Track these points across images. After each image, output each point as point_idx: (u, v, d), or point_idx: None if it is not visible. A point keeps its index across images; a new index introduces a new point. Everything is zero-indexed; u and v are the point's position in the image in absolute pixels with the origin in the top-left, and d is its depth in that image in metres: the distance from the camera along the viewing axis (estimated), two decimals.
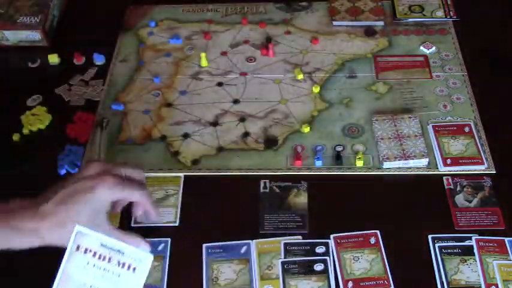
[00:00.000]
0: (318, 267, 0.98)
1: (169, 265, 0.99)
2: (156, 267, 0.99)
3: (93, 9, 1.47)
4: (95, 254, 0.80)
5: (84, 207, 0.86)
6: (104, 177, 0.88)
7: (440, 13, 1.41)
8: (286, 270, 0.97)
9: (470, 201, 1.05)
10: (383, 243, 1.00)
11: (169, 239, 1.02)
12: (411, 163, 1.10)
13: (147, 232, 1.04)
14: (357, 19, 1.39)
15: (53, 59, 1.34)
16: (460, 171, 1.09)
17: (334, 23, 1.39)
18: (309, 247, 1.00)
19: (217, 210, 1.07)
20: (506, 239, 0.99)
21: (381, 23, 1.39)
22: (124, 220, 1.06)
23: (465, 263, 0.97)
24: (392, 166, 1.11)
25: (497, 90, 1.24)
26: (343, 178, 1.10)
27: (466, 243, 0.99)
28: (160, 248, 1.01)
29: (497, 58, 1.30)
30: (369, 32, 1.37)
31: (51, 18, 1.40)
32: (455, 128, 1.15)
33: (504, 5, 1.43)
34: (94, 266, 0.80)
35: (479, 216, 1.03)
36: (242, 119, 1.21)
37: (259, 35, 1.39)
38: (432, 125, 1.15)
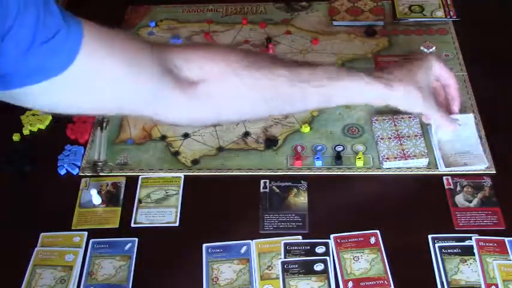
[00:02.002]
0: (318, 267, 0.98)
1: (168, 265, 1.00)
2: (122, 266, 0.99)
3: (93, 9, 1.47)
4: None
5: (418, 71, 1.02)
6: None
7: (440, 13, 1.41)
8: (286, 270, 0.97)
9: (470, 201, 1.05)
10: (383, 243, 1.00)
11: (136, 239, 1.02)
12: (411, 163, 1.10)
13: (147, 232, 1.04)
14: (357, 19, 1.39)
15: None
16: (460, 171, 1.09)
17: (335, 23, 1.39)
18: (309, 247, 1.00)
19: (217, 210, 1.07)
20: (506, 239, 0.99)
21: (381, 23, 1.39)
22: (124, 219, 1.06)
23: (465, 263, 0.97)
24: (392, 166, 1.11)
25: (497, 90, 1.24)
26: (343, 178, 1.10)
27: (466, 243, 0.99)
28: (127, 248, 1.01)
29: (497, 58, 1.30)
30: (369, 32, 1.37)
31: None
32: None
33: (504, 5, 1.43)
34: None
35: (479, 216, 1.03)
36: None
37: (259, 35, 1.39)
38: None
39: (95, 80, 0.70)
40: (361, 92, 0.97)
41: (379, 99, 1.01)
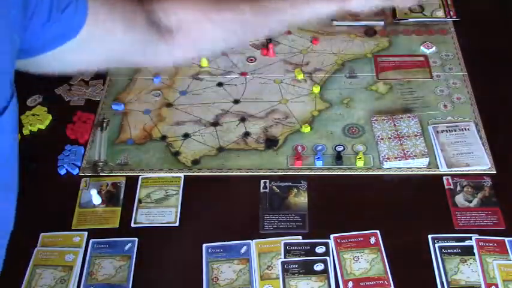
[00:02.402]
0: (318, 267, 0.98)
1: (168, 265, 1.00)
2: (122, 266, 0.99)
3: None
4: None
5: None
6: None
7: (440, 13, 1.41)
8: (286, 270, 0.97)
9: (470, 201, 1.06)
10: (383, 243, 1.00)
11: (136, 239, 1.02)
12: (411, 163, 1.11)
13: (147, 232, 1.04)
14: (357, 19, 1.39)
15: None
16: (460, 171, 1.10)
17: (335, 23, 1.39)
18: (309, 247, 1.00)
19: (217, 210, 1.07)
20: (506, 239, 0.99)
21: (381, 23, 1.38)
22: (124, 219, 1.06)
23: (465, 263, 0.97)
24: (393, 166, 1.11)
25: (497, 90, 1.24)
26: (344, 178, 1.10)
27: (466, 243, 0.99)
28: (127, 248, 1.01)
29: (497, 58, 1.30)
30: (369, 32, 1.37)
31: None
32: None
33: (504, 5, 1.43)
34: None
35: (479, 216, 1.03)
36: (242, 119, 1.21)
37: None
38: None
39: (100, 40, 0.81)
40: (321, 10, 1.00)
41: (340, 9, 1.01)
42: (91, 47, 0.80)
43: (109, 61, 0.89)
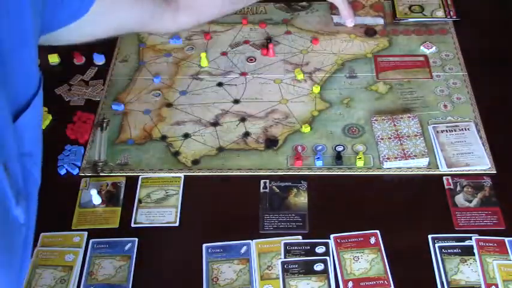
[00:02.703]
0: (318, 267, 0.98)
1: (168, 265, 1.00)
2: (122, 266, 0.99)
3: None
4: None
5: None
6: None
7: (440, 13, 1.41)
8: (286, 270, 0.97)
9: (470, 201, 1.06)
10: (383, 243, 1.00)
11: (136, 239, 1.02)
12: (412, 163, 1.11)
13: (147, 232, 1.04)
14: (357, 14, 1.39)
15: (53, 59, 1.35)
16: (460, 171, 1.10)
17: (334, 18, 1.39)
18: (309, 247, 1.00)
19: (217, 210, 1.07)
20: (506, 239, 0.99)
21: (381, 20, 1.39)
22: (124, 219, 1.06)
23: (465, 263, 0.97)
24: (393, 166, 1.11)
25: (497, 90, 1.24)
26: (344, 178, 1.10)
27: (466, 243, 0.99)
28: (127, 248, 1.01)
29: (497, 58, 1.30)
30: (369, 32, 1.37)
31: None
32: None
33: (504, 5, 1.43)
34: None
35: (479, 216, 1.03)
36: (242, 119, 1.21)
37: (259, 35, 1.39)
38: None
39: (111, 11, 0.88)
40: None
41: None
42: (103, 18, 0.87)
43: (120, 30, 0.98)
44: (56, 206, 1.08)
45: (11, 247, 0.68)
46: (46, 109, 1.24)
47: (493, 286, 0.94)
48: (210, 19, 1.18)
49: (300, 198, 1.07)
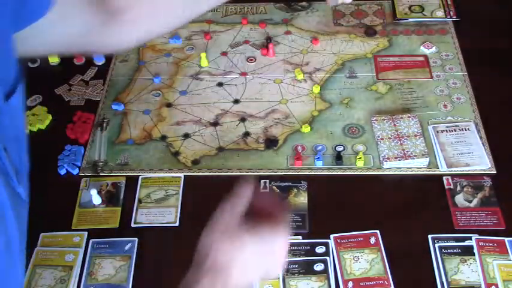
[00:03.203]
0: (318, 267, 0.98)
1: (168, 265, 1.00)
2: (122, 266, 0.99)
3: None
4: None
5: None
6: None
7: (440, 13, 1.41)
8: (286, 270, 0.97)
9: (470, 201, 1.06)
10: (383, 243, 1.00)
11: (136, 239, 1.02)
12: (411, 163, 1.10)
13: (147, 232, 1.04)
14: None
15: (53, 59, 1.34)
16: (460, 171, 1.10)
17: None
18: (309, 247, 1.00)
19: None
20: (506, 239, 0.99)
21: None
22: (124, 219, 1.06)
23: (465, 263, 0.97)
24: (393, 166, 1.11)
25: (497, 90, 1.24)
26: (344, 178, 1.10)
27: (466, 243, 0.99)
28: (127, 248, 1.02)
29: (497, 58, 1.30)
30: (369, 32, 1.37)
31: None
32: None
33: (504, 5, 1.43)
34: None
35: (479, 216, 1.03)
36: (242, 119, 1.21)
37: (259, 35, 1.39)
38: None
39: (56, 25, 0.81)
40: None
41: None
42: (49, 31, 0.81)
43: (68, 45, 0.90)
44: (56, 206, 1.08)
45: (22, 221, 0.71)
46: (46, 109, 1.24)
47: (493, 286, 0.94)
48: (164, 31, 1.05)
49: (300, 198, 1.07)
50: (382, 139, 1.14)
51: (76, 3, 0.86)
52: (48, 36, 0.83)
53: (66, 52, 1.04)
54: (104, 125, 1.21)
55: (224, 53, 1.35)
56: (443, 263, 0.97)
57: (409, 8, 1.42)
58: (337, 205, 1.07)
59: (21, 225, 0.71)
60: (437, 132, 1.15)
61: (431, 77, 1.27)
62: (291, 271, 0.97)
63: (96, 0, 0.89)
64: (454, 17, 1.40)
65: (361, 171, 1.11)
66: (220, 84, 1.28)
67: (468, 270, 0.96)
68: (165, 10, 0.96)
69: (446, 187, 1.08)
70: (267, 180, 1.10)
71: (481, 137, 1.14)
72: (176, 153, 1.15)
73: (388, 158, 1.11)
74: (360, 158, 1.11)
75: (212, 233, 0.77)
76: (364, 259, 0.98)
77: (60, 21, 0.82)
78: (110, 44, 0.96)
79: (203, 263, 0.77)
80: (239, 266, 0.75)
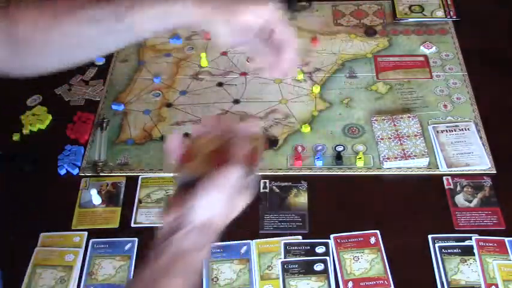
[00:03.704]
0: (318, 267, 0.98)
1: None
2: (122, 266, 0.99)
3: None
4: None
5: None
6: None
7: (440, 13, 1.41)
8: (286, 270, 0.97)
9: (470, 201, 1.05)
10: (383, 243, 1.00)
11: (136, 239, 1.02)
12: (411, 163, 1.10)
13: (147, 232, 1.04)
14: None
15: None
16: (460, 171, 1.10)
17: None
18: (309, 247, 1.00)
19: None
20: (506, 239, 0.99)
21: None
22: (124, 219, 1.06)
23: (465, 263, 0.97)
24: (393, 166, 1.11)
25: (497, 90, 1.24)
26: (344, 178, 1.10)
27: (466, 243, 0.99)
28: (127, 248, 1.01)
29: (497, 58, 1.30)
30: (369, 32, 1.37)
31: None
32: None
33: (504, 5, 1.43)
34: None
35: (479, 216, 1.03)
36: (242, 119, 1.21)
37: None
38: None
39: None
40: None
41: None
42: None
43: None
44: (56, 206, 1.08)
45: None
46: (46, 109, 1.24)
47: (493, 286, 0.94)
48: (66, 64, 0.96)
49: (300, 198, 1.07)
50: (382, 139, 1.14)
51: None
52: None
53: None
54: (104, 125, 1.21)
55: (224, 53, 1.35)
56: (443, 263, 0.97)
57: (409, 8, 1.42)
58: (337, 205, 1.07)
59: None
60: (437, 132, 1.15)
61: (431, 77, 1.27)
62: (291, 271, 0.97)
63: (4, 29, 0.85)
64: (454, 17, 1.40)
65: (361, 171, 1.11)
66: (220, 84, 1.28)
67: (468, 270, 0.96)
68: (70, 45, 0.89)
69: (446, 187, 1.08)
70: (267, 180, 1.10)
71: (481, 137, 1.14)
72: None
73: (388, 158, 1.11)
74: (360, 158, 1.11)
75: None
76: (364, 259, 0.98)
77: None
78: (28, 69, 0.91)
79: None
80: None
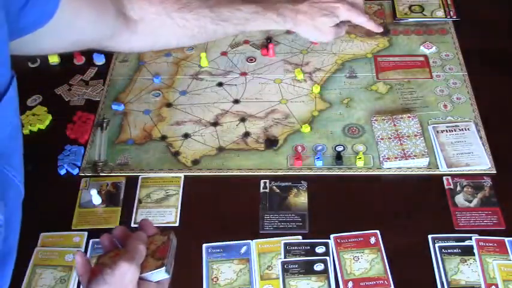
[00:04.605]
0: (318, 267, 0.98)
1: None
2: None
3: None
4: None
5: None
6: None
7: (440, 13, 1.41)
8: (286, 270, 0.97)
9: (470, 201, 1.06)
10: (383, 243, 1.00)
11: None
12: (411, 163, 1.10)
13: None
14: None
15: (53, 59, 1.34)
16: (460, 171, 1.10)
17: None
18: (309, 247, 1.00)
19: (217, 210, 1.07)
20: (506, 239, 0.99)
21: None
22: (124, 219, 1.06)
23: (465, 263, 0.97)
24: (393, 166, 1.11)
25: (497, 90, 1.24)
26: (344, 178, 1.10)
27: (466, 243, 0.99)
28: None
29: (497, 58, 1.30)
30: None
31: None
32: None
33: (504, 5, 1.43)
34: None
35: (479, 216, 1.03)
36: (242, 119, 1.21)
37: (259, 35, 1.39)
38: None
39: (71, 25, 0.86)
40: (270, 27, 1.16)
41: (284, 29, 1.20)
42: (64, 30, 0.85)
43: (78, 45, 0.98)
44: (56, 206, 1.09)
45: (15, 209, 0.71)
46: (46, 109, 1.24)
47: (493, 286, 0.94)
48: (165, 48, 1.18)
49: (300, 198, 1.07)
50: (382, 139, 1.14)
51: (93, 5, 0.91)
52: (59, 37, 0.86)
53: (75, 50, 1.15)
54: (104, 125, 1.21)
55: (224, 53, 1.35)
56: (443, 263, 0.97)
57: (409, 8, 1.42)
58: (337, 205, 1.07)
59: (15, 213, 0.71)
60: (437, 132, 1.15)
61: (431, 77, 1.27)
62: (291, 271, 0.97)
63: (113, 6, 0.97)
64: (454, 17, 1.40)
65: (361, 171, 1.11)
66: (220, 84, 1.28)
67: (468, 270, 0.96)
68: (171, 30, 1.07)
69: (446, 187, 1.08)
70: (267, 180, 1.10)
71: (481, 137, 1.14)
72: (176, 153, 1.16)
73: (388, 158, 1.11)
74: (360, 158, 1.11)
75: None
76: (364, 259, 0.98)
77: (75, 22, 0.87)
78: (118, 47, 1.07)
79: None
80: None
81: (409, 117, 1.17)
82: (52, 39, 0.85)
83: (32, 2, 0.75)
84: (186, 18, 1.06)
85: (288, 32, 1.38)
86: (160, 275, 0.78)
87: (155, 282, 0.78)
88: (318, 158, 1.12)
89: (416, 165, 1.11)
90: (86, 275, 0.77)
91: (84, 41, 0.96)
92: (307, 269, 0.97)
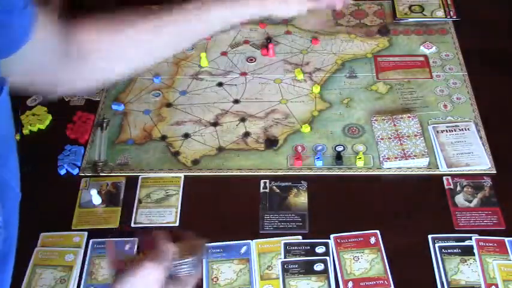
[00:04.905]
0: (318, 267, 0.98)
1: None
2: None
3: (93, 9, 1.47)
4: None
5: None
6: None
7: (440, 13, 1.41)
8: (286, 270, 0.97)
9: (470, 201, 1.06)
10: (383, 243, 1.00)
11: (136, 239, 1.02)
12: (411, 163, 1.10)
13: (147, 232, 1.04)
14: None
15: None
16: (460, 171, 1.10)
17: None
18: (309, 247, 1.00)
19: (217, 210, 1.07)
20: (506, 239, 0.99)
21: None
22: (124, 219, 1.06)
23: (465, 263, 0.97)
24: (393, 166, 1.11)
25: (497, 90, 1.24)
26: (344, 178, 1.10)
27: (466, 243, 0.99)
28: (127, 248, 1.01)
29: (497, 58, 1.30)
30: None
31: None
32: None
33: (504, 5, 1.43)
34: None
35: (479, 216, 1.03)
36: (242, 119, 1.21)
37: (259, 35, 1.39)
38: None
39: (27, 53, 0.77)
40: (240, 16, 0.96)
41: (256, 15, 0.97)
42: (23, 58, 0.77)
43: (27, 76, 0.84)
44: (56, 206, 1.09)
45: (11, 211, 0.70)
46: (46, 109, 1.24)
47: (493, 286, 0.94)
48: (132, 72, 0.99)
49: (300, 198, 1.07)
50: (382, 139, 1.14)
51: (54, 44, 0.82)
52: (18, 65, 0.78)
53: (29, 85, 0.90)
54: (104, 125, 1.21)
55: (224, 53, 1.35)
56: (443, 263, 0.97)
57: (409, 8, 1.42)
58: (337, 205, 1.07)
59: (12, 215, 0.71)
60: (437, 132, 1.15)
61: (431, 77, 1.27)
62: (291, 271, 0.97)
63: (64, 38, 0.85)
64: (454, 17, 1.40)
65: (361, 171, 1.11)
66: (220, 84, 1.28)
67: (468, 270, 0.96)
68: (138, 53, 0.92)
69: (446, 187, 1.08)
70: (267, 180, 1.10)
71: (481, 137, 1.14)
72: (176, 153, 1.16)
73: (388, 158, 1.11)
74: (360, 158, 1.11)
75: None
76: (364, 259, 0.98)
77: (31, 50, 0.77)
78: (75, 81, 0.91)
79: None
80: None
81: (409, 117, 1.17)
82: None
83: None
84: (143, 36, 0.91)
85: (288, 32, 1.38)
86: (187, 267, 0.76)
87: (183, 276, 0.76)
88: (318, 158, 1.12)
89: (416, 165, 1.11)
90: (115, 266, 0.76)
91: (30, 72, 0.83)
92: (307, 269, 0.97)
